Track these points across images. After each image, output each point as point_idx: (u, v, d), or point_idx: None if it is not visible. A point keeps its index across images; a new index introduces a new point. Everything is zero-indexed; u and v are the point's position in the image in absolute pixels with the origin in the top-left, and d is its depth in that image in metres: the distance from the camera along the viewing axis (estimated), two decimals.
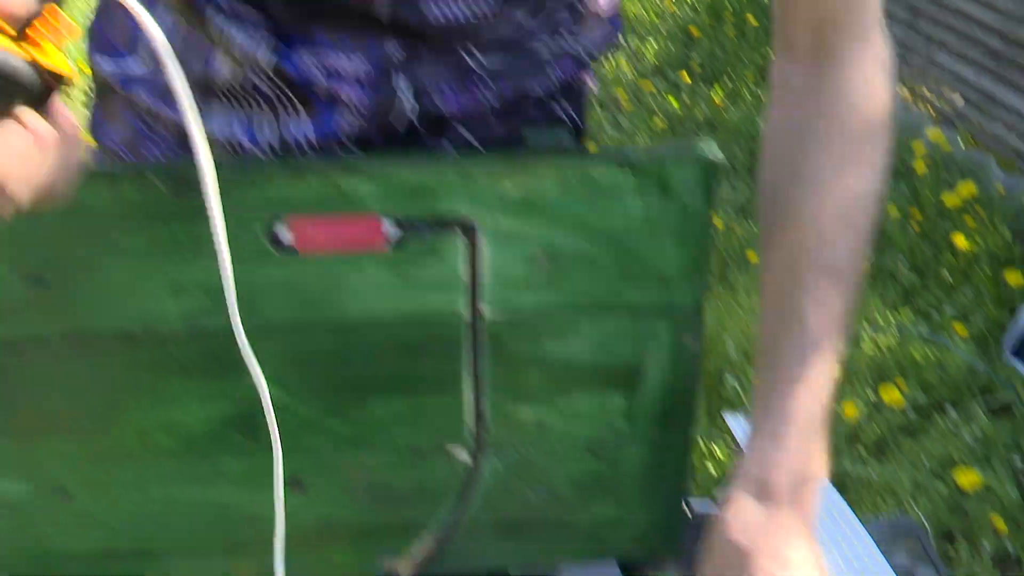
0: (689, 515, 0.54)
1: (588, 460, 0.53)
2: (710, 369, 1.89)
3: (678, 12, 3.74)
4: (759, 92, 3.06)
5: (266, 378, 0.46)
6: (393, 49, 0.48)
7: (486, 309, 0.48)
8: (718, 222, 2.40)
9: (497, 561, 0.56)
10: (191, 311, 0.45)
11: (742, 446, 0.84)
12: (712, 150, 0.47)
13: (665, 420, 0.53)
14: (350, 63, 0.48)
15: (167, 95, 0.47)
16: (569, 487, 0.54)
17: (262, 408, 0.46)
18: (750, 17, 3.46)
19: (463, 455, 0.51)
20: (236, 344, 0.43)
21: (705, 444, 1.71)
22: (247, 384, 0.45)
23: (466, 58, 0.50)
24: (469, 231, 0.46)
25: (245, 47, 0.48)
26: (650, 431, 0.53)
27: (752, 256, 2.17)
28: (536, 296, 0.48)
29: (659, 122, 2.97)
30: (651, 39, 3.48)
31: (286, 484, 0.48)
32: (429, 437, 0.51)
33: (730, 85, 3.24)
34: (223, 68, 0.49)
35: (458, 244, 0.46)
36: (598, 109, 3.04)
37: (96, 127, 0.56)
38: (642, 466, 0.54)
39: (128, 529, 0.51)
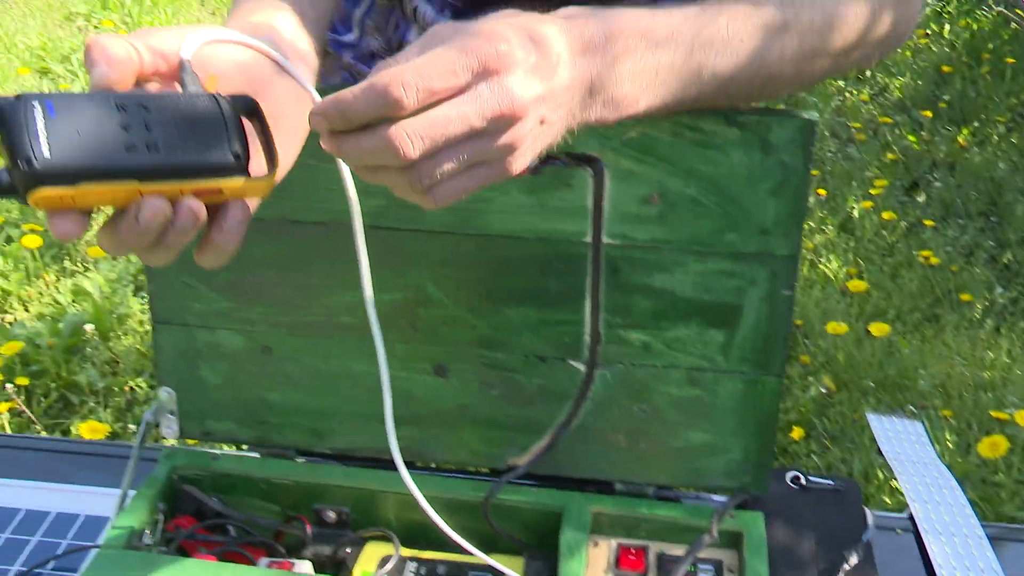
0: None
1: (687, 386, 0.72)
2: (901, 401, 2.02)
3: (933, 48, 3.96)
4: (1011, 138, 3.24)
5: (424, 276, 0.72)
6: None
7: (606, 238, 0.69)
8: (935, 259, 2.61)
9: (602, 471, 0.75)
10: (374, 210, 0.66)
11: (883, 449, 1.00)
12: (810, 113, 0.65)
13: (758, 361, 0.71)
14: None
15: (366, 58, 0.79)
16: (670, 408, 0.73)
17: (423, 300, 0.73)
18: (1009, 58, 3.70)
19: (579, 366, 0.77)
20: (406, 242, 0.70)
21: (883, 474, 1.82)
22: (412, 279, 0.72)
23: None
24: (596, 168, 0.67)
25: (431, 21, 0.76)
26: (744, 368, 0.71)
27: (965, 297, 2.44)
28: (649, 231, 0.69)
29: (891, 156, 3.20)
30: (900, 75, 3.77)
31: (433, 369, 0.74)
32: (552, 346, 0.73)
33: (978, 127, 3.40)
34: (413, 38, 0.78)
35: (586, 178, 0.68)
36: (829, 137, 3.30)
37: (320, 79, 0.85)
38: (736, 400, 0.72)
39: (313, 389, 0.77)
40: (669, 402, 0.74)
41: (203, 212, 0.50)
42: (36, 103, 0.47)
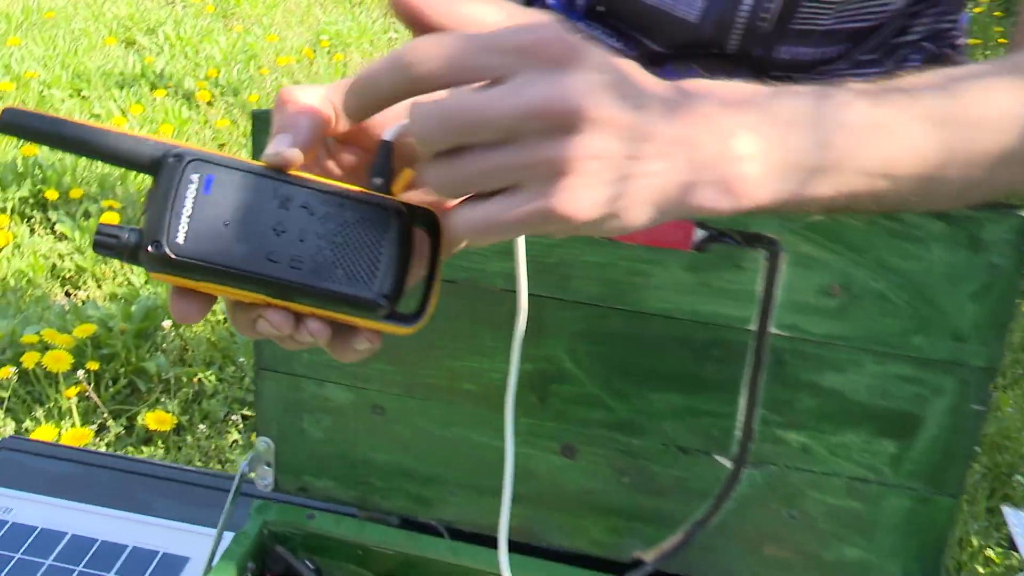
0: None
1: (846, 497, 0.64)
2: (1000, 464, 1.91)
3: None
4: None
5: (560, 348, 0.65)
6: None
7: (774, 328, 0.62)
8: None
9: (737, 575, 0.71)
10: (512, 272, 0.57)
11: (1018, 544, 0.90)
12: None
13: (933, 478, 0.63)
14: None
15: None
16: (823, 518, 0.65)
17: (557, 375, 0.66)
18: None
19: (726, 462, 0.69)
20: (544, 310, 0.63)
21: (978, 541, 1.71)
22: (547, 350, 0.65)
23: None
24: (772, 250, 0.60)
25: None
26: (915, 485, 0.63)
27: None
28: (825, 325, 0.61)
29: None
30: None
31: (560, 449, 0.67)
32: (697, 438, 0.65)
33: None
34: None
35: (759, 260, 0.60)
36: None
37: None
38: (901, 518, 0.64)
39: (425, 455, 0.71)
40: (824, 511, 0.66)
41: (325, 337, 0.44)
42: (195, 176, 0.42)
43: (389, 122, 0.44)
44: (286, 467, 0.75)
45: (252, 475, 0.76)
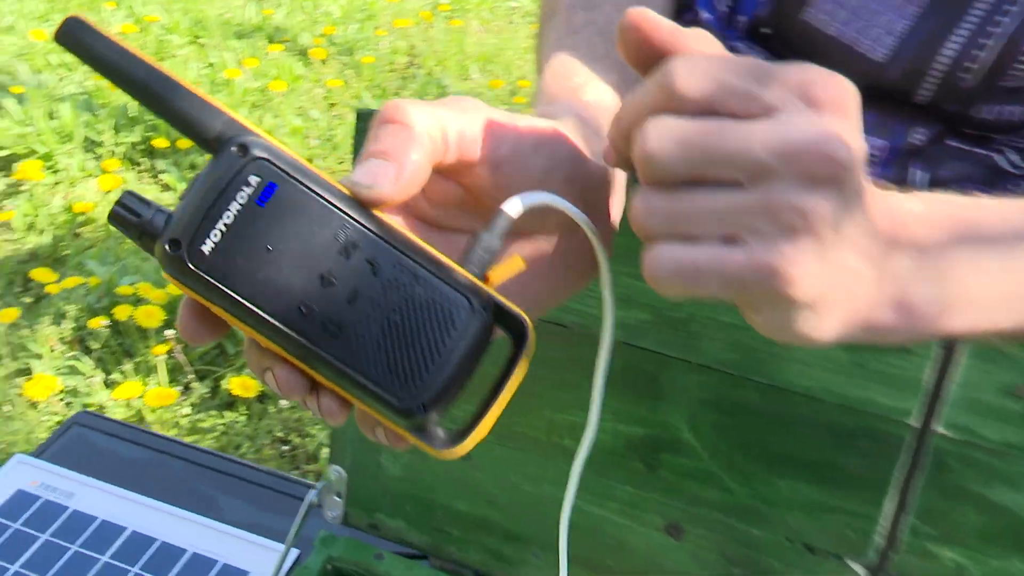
0: None
1: None
2: None
3: None
4: None
5: (679, 415, 0.57)
6: (918, 135, 0.55)
7: (941, 426, 0.52)
8: None
9: None
10: (636, 324, 0.54)
11: None
12: None
13: None
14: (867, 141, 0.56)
15: None
16: None
17: (671, 443, 0.58)
18: None
19: (860, 570, 0.60)
20: (667, 370, 0.55)
21: None
22: (663, 415, 0.57)
23: (994, 156, 0.55)
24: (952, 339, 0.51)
25: None
26: None
27: None
28: (1004, 431, 0.51)
29: None
30: None
31: (664, 526, 0.59)
32: (828, 538, 0.56)
33: None
34: None
35: (932, 346, 0.51)
36: None
37: None
38: None
39: (511, 510, 0.64)
40: None
41: (337, 420, 0.36)
42: (255, 179, 0.34)
43: (510, 174, 0.36)
44: (358, 501, 0.69)
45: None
